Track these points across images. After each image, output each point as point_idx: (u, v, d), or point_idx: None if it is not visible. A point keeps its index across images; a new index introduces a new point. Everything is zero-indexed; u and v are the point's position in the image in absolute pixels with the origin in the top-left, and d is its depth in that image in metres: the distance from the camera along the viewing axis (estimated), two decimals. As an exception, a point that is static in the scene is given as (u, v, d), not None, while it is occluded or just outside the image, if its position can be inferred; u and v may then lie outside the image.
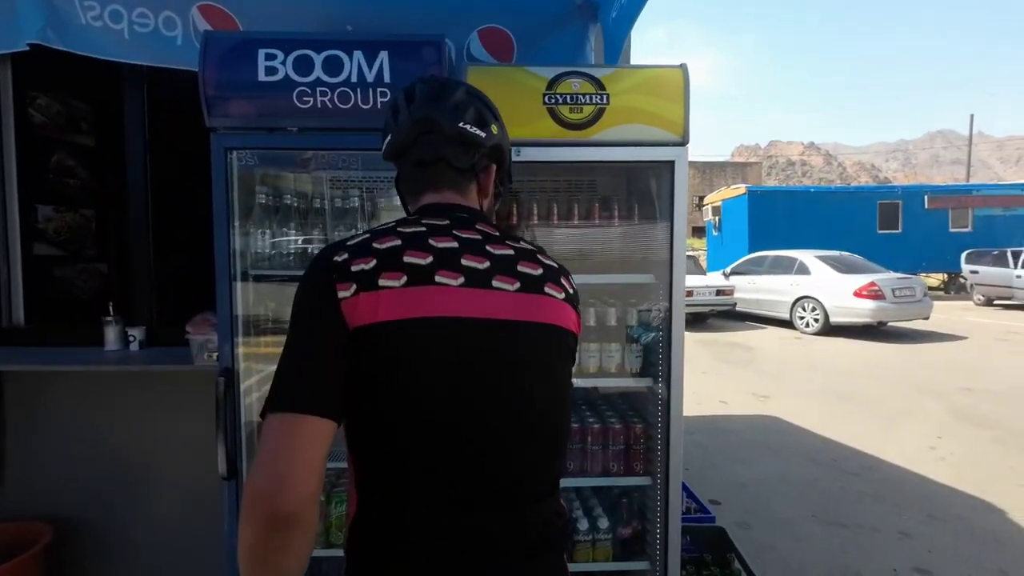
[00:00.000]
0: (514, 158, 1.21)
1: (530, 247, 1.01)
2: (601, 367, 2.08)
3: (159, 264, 2.72)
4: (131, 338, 2.60)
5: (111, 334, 2.59)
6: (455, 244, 0.92)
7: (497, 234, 0.99)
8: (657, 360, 2.02)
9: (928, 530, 3.40)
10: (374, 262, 0.88)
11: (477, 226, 0.98)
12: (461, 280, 0.89)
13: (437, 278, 0.88)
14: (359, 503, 0.91)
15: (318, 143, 1.88)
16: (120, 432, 2.59)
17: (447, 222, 0.97)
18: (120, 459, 2.60)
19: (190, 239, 2.82)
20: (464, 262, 0.90)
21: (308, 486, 0.77)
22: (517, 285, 0.92)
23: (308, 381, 0.82)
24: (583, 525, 2.13)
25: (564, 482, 1.98)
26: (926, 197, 16.81)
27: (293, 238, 2.03)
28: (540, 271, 0.96)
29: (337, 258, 0.90)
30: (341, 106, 1.81)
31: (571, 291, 1.00)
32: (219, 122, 1.81)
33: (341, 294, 0.86)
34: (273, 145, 1.87)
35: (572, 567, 2.08)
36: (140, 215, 2.65)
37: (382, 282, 0.87)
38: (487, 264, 0.91)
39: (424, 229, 0.94)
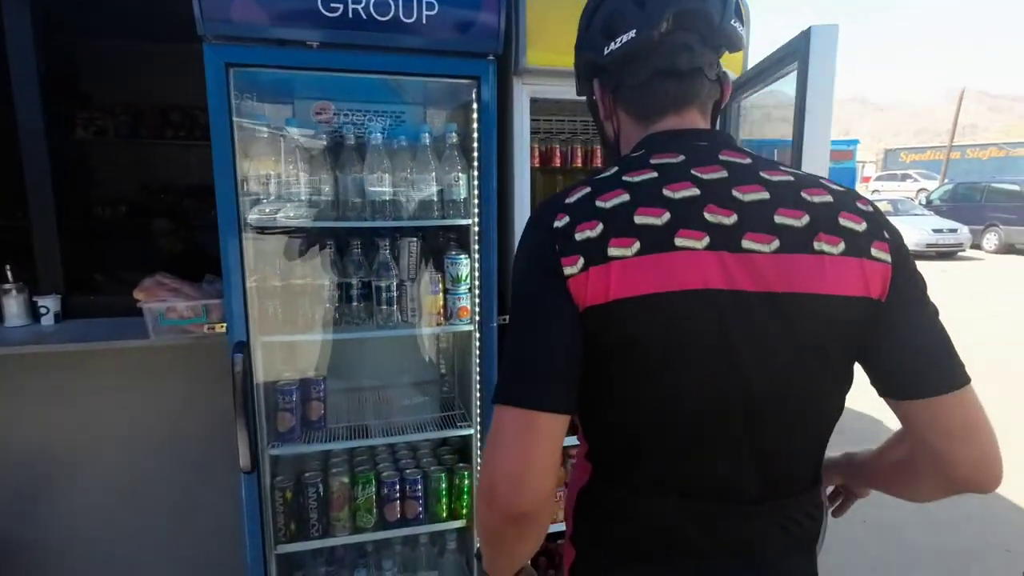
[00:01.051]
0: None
1: (792, 177, 0.78)
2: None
3: (67, 222, 2.15)
4: (43, 310, 2.05)
5: (13, 306, 2.02)
6: (695, 191, 0.74)
7: (748, 162, 0.79)
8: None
9: None
10: (600, 226, 0.72)
11: (721, 156, 0.79)
12: (706, 241, 0.72)
13: (677, 240, 0.71)
14: (592, 476, 0.84)
15: (345, 63, 1.54)
16: (29, 426, 2.07)
17: (682, 158, 0.79)
18: (33, 458, 2.09)
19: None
20: (708, 216, 0.73)
21: (544, 487, 0.72)
22: (775, 244, 0.72)
23: (542, 375, 0.72)
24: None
25: None
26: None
27: (303, 183, 1.68)
28: (805, 219, 0.73)
29: (558, 223, 0.74)
30: (378, 17, 1.48)
31: (860, 228, 0.74)
32: (215, 29, 1.40)
33: (567, 270, 0.71)
34: (286, 63, 1.50)
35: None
36: (36, 158, 2.04)
37: (612, 251, 0.71)
38: (735, 217, 0.73)
39: (655, 175, 0.76)
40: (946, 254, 13.24)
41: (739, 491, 0.77)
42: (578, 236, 0.73)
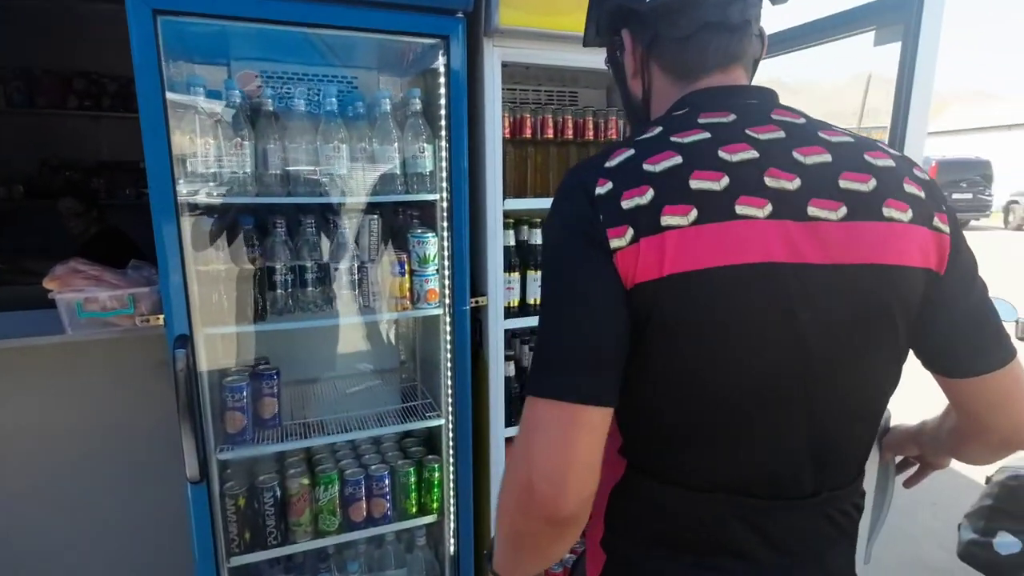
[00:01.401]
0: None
1: (851, 139, 0.71)
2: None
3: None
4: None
5: None
6: (753, 153, 0.67)
7: (803, 121, 0.72)
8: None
9: None
10: (650, 192, 0.64)
11: (774, 115, 0.71)
12: (768, 209, 0.64)
13: (738, 208, 0.64)
14: (626, 473, 0.77)
15: (293, 14, 1.35)
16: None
17: (733, 117, 0.70)
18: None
19: None
20: (768, 181, 0.65)
21: (588, 486, 0.65)
22: (842, 211, 0.65)
23: (584, 363, 0.65)
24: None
25: None
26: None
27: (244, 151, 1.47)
28: (872, 183, 0.66)
29: (600, 189, 0.66)
30: (336, -39, 1.30)
31: (922, 196, 0.68)
32: (137, -34, 1.18)
33: (614, 243, 0.64)
34: (224, 11, 1.29)
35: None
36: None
37: (665, 220, 0.63)
38: (798, 182, 0.66)
39: (708, 135, 0.68)
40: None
41: (793, 483, 0.71)
42: (625, 204, 0.64)
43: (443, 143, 1.60)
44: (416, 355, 2.17)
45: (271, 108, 1.54)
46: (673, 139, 0.68)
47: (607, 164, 0.68)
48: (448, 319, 1.70)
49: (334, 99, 1.56)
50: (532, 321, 1.82)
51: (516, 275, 1.80)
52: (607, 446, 0.75)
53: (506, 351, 1.80)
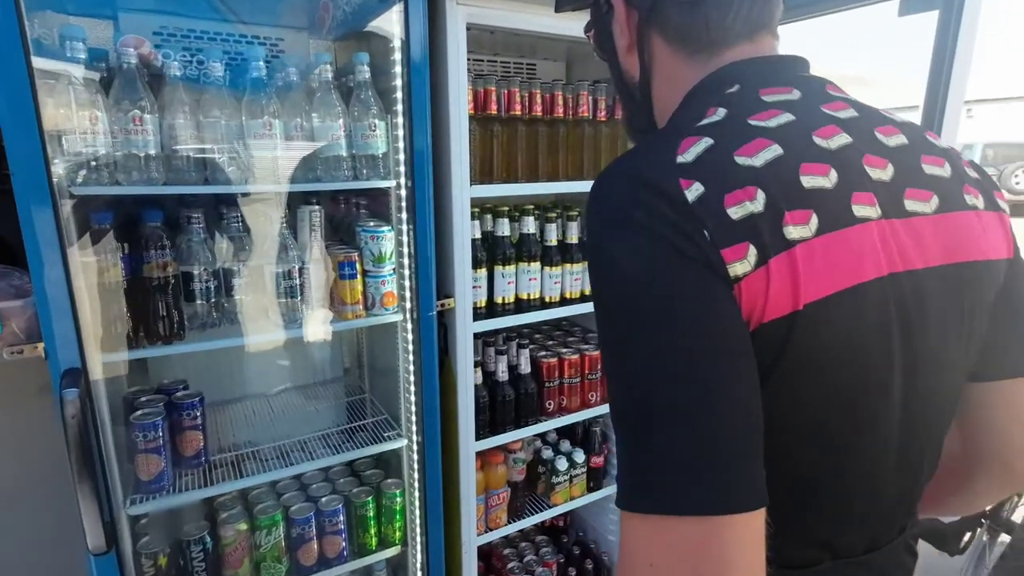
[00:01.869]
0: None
1: (907, 118, 0.62)
2: (584, 291, 1.80)
3: None
4: None
5: None
6: (847, 137, 0.53)
7: (855, 98, 0.60)
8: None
9: None
10: (760, 194, 0.48)
11: (829, 90, 0.59)
12: (878, 207, 0.52)
13: (855, 209, 0.51)
14: None
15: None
16: None
17: (798, 93, 0.56)
18: None
19: None
20: (869, 171, 0.53)
21: None
22: (934, 202, 0.55)
23: (728, 454, 0.44)
24: (562, 465, 1.91)
25: (541, 426, 1.74)
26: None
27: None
28: (948, 168, 0.57)
29: (689, 193, 0.48)
30: None
31: (977, 174, 0.61)
32: None
33: (735, 268, 0.47)
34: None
35: (551, 511, 1.92)
36: None
37: (789, 232, 0.48)
38: (891, 170, 0.54)
39: (792, 117, 0.53)
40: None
41: (887, 530, 0.62)
42: (733, 212, 0.47)
43: (399, 120, 1.35)
44: (363, 363, 1.91)
45: (178, 73, 1.22)
46: (753, 122, 0.52)
47: (680, 159, 0.50)
48: (410, 325, 1.47)
49: (261, 63, 1.26)
50: (500, 323, 1.62)
51: (483, 272, 1.58)
52: None
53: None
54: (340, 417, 1.75)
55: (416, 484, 1.57)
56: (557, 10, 0.79)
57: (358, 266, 1.42)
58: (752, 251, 0.46)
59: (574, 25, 1.43)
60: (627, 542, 0.45)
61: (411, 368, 1.50)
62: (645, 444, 0.45)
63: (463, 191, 1.41)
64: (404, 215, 1.40)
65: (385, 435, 1.58)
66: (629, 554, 0.44)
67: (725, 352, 0.45)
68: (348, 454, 1.51)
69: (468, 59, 1.73)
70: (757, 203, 0.47)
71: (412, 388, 1.51)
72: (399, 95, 1.33)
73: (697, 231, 0.47)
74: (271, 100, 1.27)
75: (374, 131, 1.36)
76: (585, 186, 1.70)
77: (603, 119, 1.68)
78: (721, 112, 0.55)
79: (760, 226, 0.47)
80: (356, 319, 1.43)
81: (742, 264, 0.46)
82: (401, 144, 1.36)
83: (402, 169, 1.37)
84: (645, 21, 0.63)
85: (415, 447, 1.55)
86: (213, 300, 1.32)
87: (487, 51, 1.81)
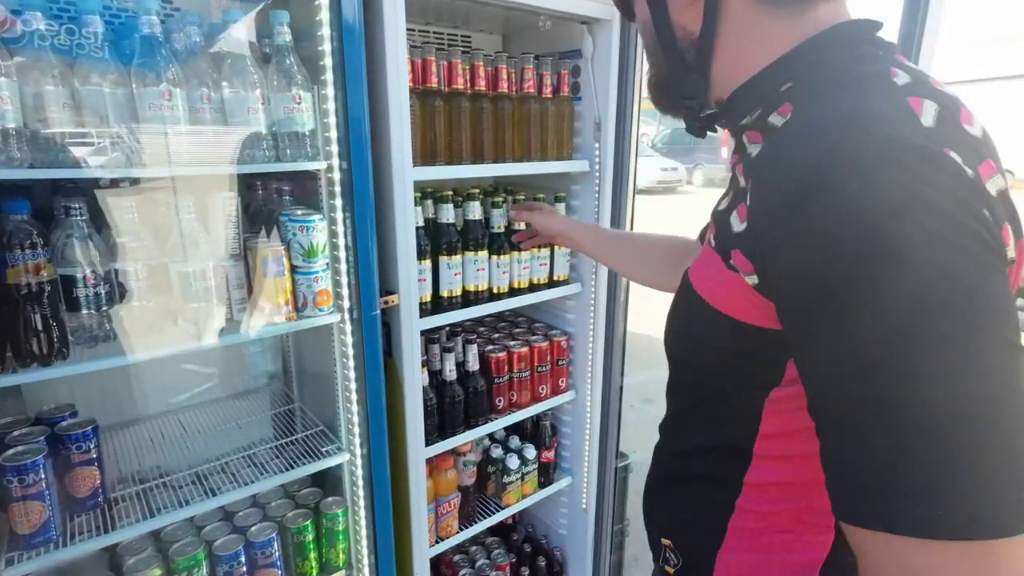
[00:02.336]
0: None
1: None
2: (532, 280, 1.70)
3: None
4: None
5: None
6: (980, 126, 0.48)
7: None
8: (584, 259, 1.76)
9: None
10: (996, 170, 0.44)
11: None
12: None
13: None
14: (834, 543, 0.60)
15: None
16: None
17: (910, 65, 0.52)
18: None
19: None
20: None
21: None
22: None
23: None
24: (513, 463, 1.82)
25: (492, 425, 1.64)
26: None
27: None
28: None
29: (964, 166, 0.42)
30: None
31: None
32: None
33: (1010, 252, 0.44)
34: None
35: (504, 512, 1.82)
36: None
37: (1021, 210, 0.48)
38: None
39: (942, 91, 0.48)
40: (670, 189, 15.67)
41: None
42: (990, 187, 0.43)
43: (328, 91, 1.16)
44: (291, 369, 1.71)
45: (41, 28, 0.97)
46: (939, 89, 0.48)
47: (923, 120, 0.43)
48: (349, 327, 1.30)
49: (154, 17, 1.04)
50: (447, 318, 1.49)
51: (427, 263, 1.44)
52: (803, 507, 0.59)
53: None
54: (266, 432, 1.55)
55: (362, 501, 1.41)
56: None
57: (285, 261, 1.23)
58: (1010, 232, 0.44)
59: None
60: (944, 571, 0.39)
61: (351, 374, 1.33)
62: (963, 464, 0.39)
63: (406, 173, 1.26)
64: (338, 202, 1.22)
65: (323, 450, 1.41)
66: None
67: (1014, 351, 0.40)
68: (280, 477, 1.32)
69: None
70: (1000, 178, 0.43)
71: (353, 396, 1.34)
72: (328, 62, 1.15)
73: (980, 210, 0.41)
74: (170, 65, 1.05)
75: (299, 104, 1.17)
76: (535, 167, 1.61)
77: (549, 95, 1.57)
78: (904, 75, 0.48)
79: (1008, 203, 0.44)
80: (286, 323, 1.24)
81: (1010, 248, 0.44)
82: (332, 120, 1.18)
83: (334, 149, 1.19)
84: None
85: (359, 460, 1.39)
86: (104, 308, 1.08)
87: (418, 19, 1.64)
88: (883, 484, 0.40)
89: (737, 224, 0.55)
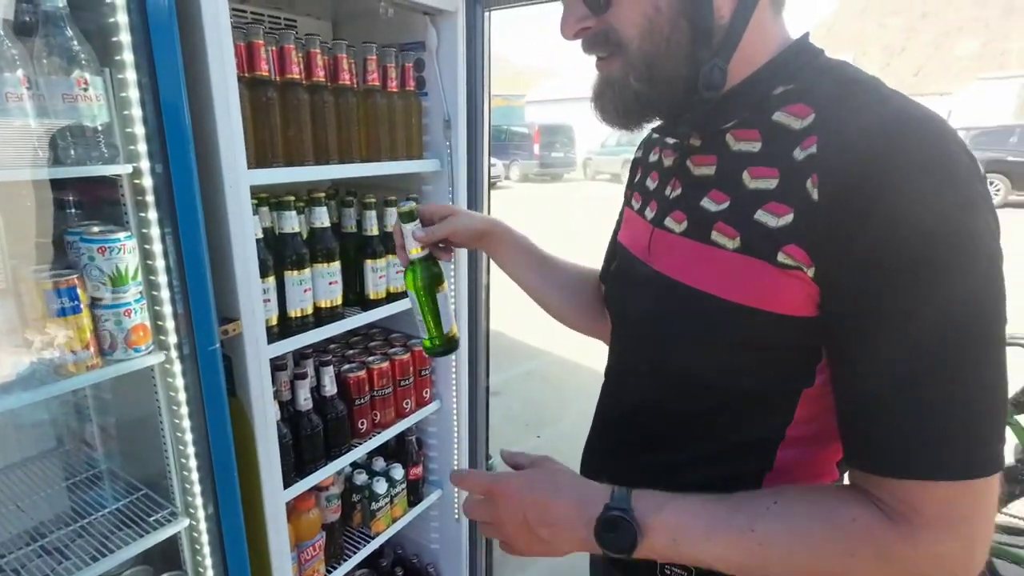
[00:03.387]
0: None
1: None
2: (389, 289, 1.56)
3: None
4: None
5: None
6: None
7: None
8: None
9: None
10: None
11: None
12: None
13: None
14: None
15: None
16: None
17: None
18: None
19: None
20: None
21: None
22: None
23: (1002, 422, 0.52)
24: (380, 487, 1.68)
25: (356, 452, 1.51)
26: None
27: None
28: None
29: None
30: None
31: None
32: None
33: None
34: None
35: (375, 542, 1.67)
36: None
37: None
38: None
39: None
40: (491, 184, 16.19)
41: None
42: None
43: (129, 75, 0.92)
44: (91, 422, 1.36)
45: None
46: None
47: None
48: (178, 367, 1.06)
49: None
50: (300, 341, 1.31)
51: (271, 280, 1.24)
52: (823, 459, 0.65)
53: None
54: (62, 508, 1.22)
55: (209, 572, 1.17)
56: None
57: (80, 294, 0.95)
58: None
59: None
60: (973, 509, 0.49)
61: (185, 423, 1.09)
62: (963, 418, 0.49)
63: (240, 176, 1.06)
64: (152, 214, 0.98)
65: (151, 519, 1.14)
66: (978, 520, 0.50)
67: (1001, 340, 0.50)
68: (96, 567, 1.04)
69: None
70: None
71: (189, 449, 1.10)
72: (125, 38, 0.90)
73: (996, 218, 0.51)
74: None
75: (84, 90, 0.91)
76: (384, 168, 1.47)
77: (395, 89, 1.45)
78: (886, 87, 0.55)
79: None
80: (89, 372, 0.97)
81: None
82: (137, 112, 0.93)
83: (142, 148, 0.95)
84: None
85: (203, 524, 1.15)
86: None
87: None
88: (942, 436, 0.49)
89: (774, 219, 0.55)
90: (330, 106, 1.30)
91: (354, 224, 1.46)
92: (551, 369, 4.24)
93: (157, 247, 0.99)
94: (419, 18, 1.49)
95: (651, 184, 0.74)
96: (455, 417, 1.81)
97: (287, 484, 1.32)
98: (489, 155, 1.62)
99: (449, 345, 0.92)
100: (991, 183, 11.47)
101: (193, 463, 1.11)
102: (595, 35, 0.62)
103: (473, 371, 1.78)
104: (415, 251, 0.88)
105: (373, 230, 1.46)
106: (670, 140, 0.71)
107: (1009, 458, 2.01)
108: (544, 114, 25.31)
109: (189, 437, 1.09)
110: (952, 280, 0.48)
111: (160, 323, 1.04)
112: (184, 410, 1.08)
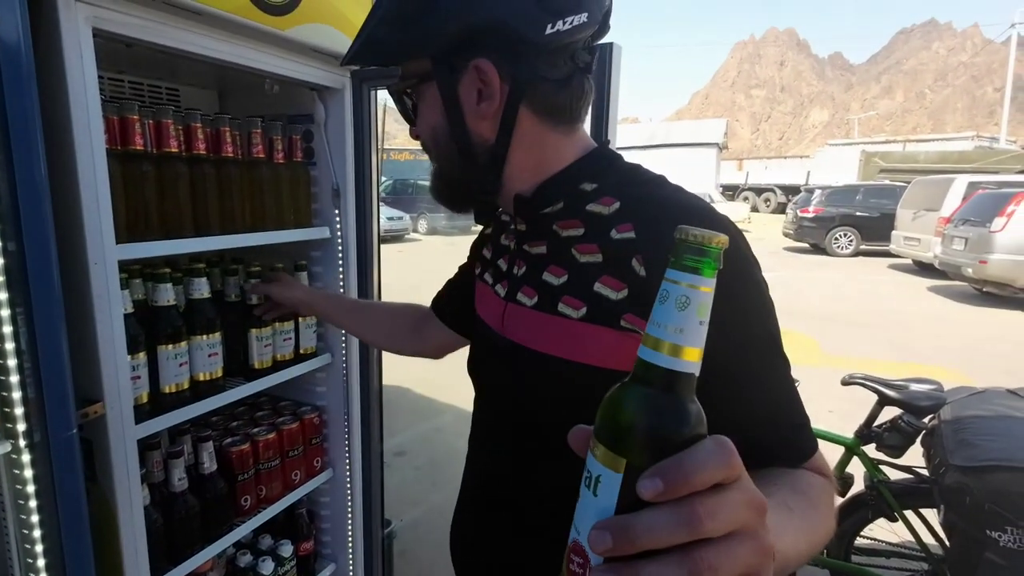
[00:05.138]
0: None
1: None
2: (276, 357, 1.53)
3: None
4: None
5: None
6: None
7: None
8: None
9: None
10: None
11: None
12: None
13: None
14: None
15: None
16: None
17: None
18: None
19: None
20: None
21: None
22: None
23: None
24: (267, 568, 1.60)
25: (238, 532, 1.45)
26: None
27: None
28: None
29: None
30: None
31: None
32: None
33: None
34: None
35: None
36: None
37: None
38: None
39: None
40: (398, 237, 16.12)
41: None
42: None
43: (-19, 152, 0.89)
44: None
45: None
46: None
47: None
48: (26, 457, 0.98)
49: None
50: (170, 419, 1.25)
51: (142, 356, 1.19)
52: None
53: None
54: None
55: None
56: (351, 63, 0.75)
57: (-90, 383, 0.87)
58: None
59: (234, 50, 1.22)
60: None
61: (33, 518, 1.00)
62: (800, 409, 0.66)
63: (106, 253, 1.03)
64: (3, 295, 0.93)
65: (-13, 633, 1.01)
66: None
67: None
68: None
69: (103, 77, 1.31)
70: None
71: (37, 548, 1.01)
72: (-22, 117, 0.88)
73: None
74: None
75: (-72, 168, 0.86)
76: (270, 237, 1.48)
77: (281, 160, 1.47)
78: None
79: None
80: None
81: None
82: (-11, 186, 0.90)
83: (-7, 221, 0.91)
84: (517, 93, 0.68)
85: (52, 633, 1.04)
86: None
87: (109, 67, 1.39)
88: (804, 422, 0.65)
89: (613, 293, 0.65)
90: (211, 178, 1.30)
91: (238, 292, 1.44)
92: (457, 425, 4.21)
93: (7, 328, 0.93)
94: (307, 92, 1.54)
95: (503, 265, 0.83)
96: (348, 485, 1.76)
97: (157, 573, 1.22)
98: (379, 220, 1.67)
99: None
100: (845, 235, 13.18)
101: (40, 562, 1.01)
102: (420, 139, 0.77)
103: (367, 434, 1.76)
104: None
105: (254, 299, 1.45)
106: (512, 226, 0.81)
107: (859, 486, 2.26)
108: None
109: (37, 534, 1.00)
110: (761, 312, 0.63)
111: (7, 410, 0.96)
112: (33, 503, 0.99)
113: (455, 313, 1.04)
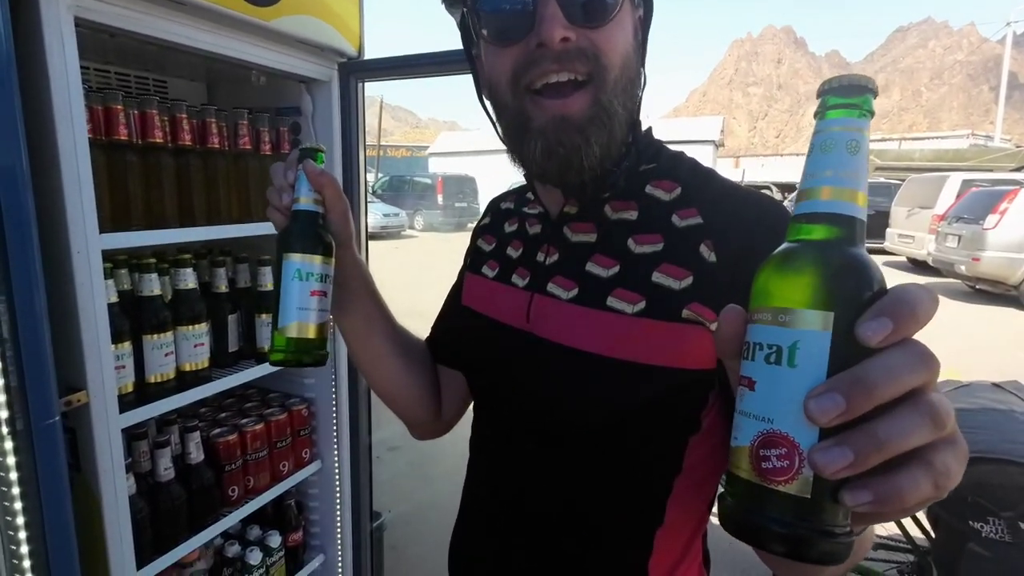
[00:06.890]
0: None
1: None
2: (263, 348, 1.54)
3: None
4: None
5: None
6: None
7: None
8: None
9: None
10: None
11: None
12: None
13: None
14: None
15: None
16: None
17: None
18: None
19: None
20: None
21: None
22: None
23: None
24: (255, 558, 1.60)
25: (225, 522, 1.45)
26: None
27: None
28: None
29: None
30: None
31: None
32: None
33: None
34: None
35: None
36: None
37: None
38: None
39: None
40: (394, 234, 16.08)
41: None
42: None
43: (-39, 140, 0.89)
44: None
45: None
46: None
47: None
48: (10, 443, 0.98)
49: None
50: (155, 409, 1.25)
51: (127, 345, 1.19)
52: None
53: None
54: None
55: (43, 672, 1.06)
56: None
57: None
58: None
59: (218, 40, 1.22)
60: None
61: (16, 505, 1.00)
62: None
63: (89, 241, 1.03)
64: (-17, 282, 0.93)
65: (-29, 619, 1.02)
66: None
67: None
68: None
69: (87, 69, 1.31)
70: None
71: (21, 535, 1.01)
72: (-41, 104, 0.88)
73: None
74: None
75: (-92, 156, 0.86)
76: (257, 229, 1.48)
77: (268, 152, 1.48)
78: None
79: None
80: None
81: None
82: (-31, 176, 0.90)
83: (-26, 213, 0.91)
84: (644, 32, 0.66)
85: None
86: None
87: (96, 58, 1.39)
88: None
89: (676, 282, 0.59)
90: (197, 169, 1.30)
91: (226, 284, 1.44)
92: (450, 420, 4.21)
93: (-13, 316, 0.94)
94: (294, 84, 1.55)
95: (513, 252, 0.75)
96: (337, 477, 1.77)
97: (143, 563, 1.23)
98: (366, 214, 1.67)
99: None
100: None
101: (25, 549, 1.01)
102: (580, 49, 0.58)
103: (355, 427, 1.77)
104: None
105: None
106: (531, 210, 0.75)
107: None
108: (448, 166, 25.80)
109: (20, 521, 1.00)
110: None
111: (-11, 397, 0.97)
112: (16, 491, 1.00)
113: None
